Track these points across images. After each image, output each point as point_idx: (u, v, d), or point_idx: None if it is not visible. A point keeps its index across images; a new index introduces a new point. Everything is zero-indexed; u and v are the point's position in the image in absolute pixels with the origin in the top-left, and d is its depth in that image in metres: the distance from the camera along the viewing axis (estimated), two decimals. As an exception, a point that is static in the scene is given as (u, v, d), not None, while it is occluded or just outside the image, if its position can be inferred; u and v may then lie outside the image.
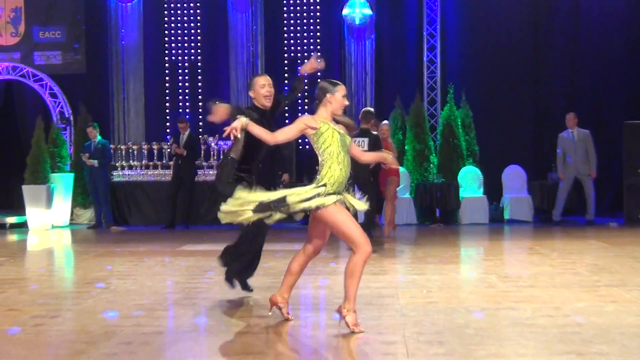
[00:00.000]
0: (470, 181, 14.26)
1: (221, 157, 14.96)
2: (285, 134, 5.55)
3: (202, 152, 14.87)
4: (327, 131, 5.41)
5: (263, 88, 6.40)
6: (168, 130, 16.05)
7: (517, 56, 15.50)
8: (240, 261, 6.67)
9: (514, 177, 14.46)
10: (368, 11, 15.62)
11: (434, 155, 14.61)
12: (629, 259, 9.00)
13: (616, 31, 15.35)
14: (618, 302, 6.31)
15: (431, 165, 14.50)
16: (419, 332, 5.24)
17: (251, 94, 6.52)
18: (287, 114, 14.37)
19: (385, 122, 12.40)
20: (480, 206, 14.09)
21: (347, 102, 5.56)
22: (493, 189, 14.43)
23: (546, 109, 15.46)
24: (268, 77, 6.53)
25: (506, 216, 14.29)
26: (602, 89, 15.24)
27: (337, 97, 5.50)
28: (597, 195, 13.92)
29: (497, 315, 5.96)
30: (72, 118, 15.84)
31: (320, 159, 5.41)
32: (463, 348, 4.90)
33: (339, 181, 5.33)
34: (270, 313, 5.79)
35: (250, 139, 6.13)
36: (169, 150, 14.70)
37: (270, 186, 6.04)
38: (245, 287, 6.78)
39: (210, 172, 14.79)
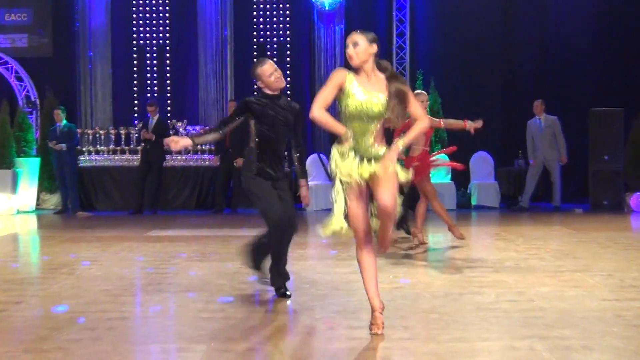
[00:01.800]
0: (438, 167, 14.33)
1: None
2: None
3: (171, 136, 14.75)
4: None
5: (272, 76, 6.00)
6: (136, 115, 15.95)
7: (486, 43, 15.60)
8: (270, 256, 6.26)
9: (481, 164, 14.58)
10: (338, -4, 15.61)
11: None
12: (593, 244, 9.12)
13: (584, 19, 15.50)
14: (581, 287, 6.40)
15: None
16: (384, 317, 5.26)
17: (260, 84, 6.10)
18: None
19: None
20: (447, 192, 14.17)
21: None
22: (460, 175, 14.48)
23: (514, 96, 15.58)
24: (271, 62, 6.13)
25: (473, 202, 14.41)
26: (569, 77, 15.37)
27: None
28: (564, 181, 14.09)
29: (461, 300, 6.01)
30: (38, 102, 15.67)
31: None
32: (427, 332, 4.94)
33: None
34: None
35: (263, 132, 6.02)
36: (136, 135, 14.60)
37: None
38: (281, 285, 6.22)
39: (179, 157, 14.74)
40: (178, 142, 5.80)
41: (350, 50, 4.77)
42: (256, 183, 5.99)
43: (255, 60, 6.52)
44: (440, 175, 14.27)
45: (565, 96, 15.20)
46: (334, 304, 5.77)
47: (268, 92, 6.04)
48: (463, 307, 5.73)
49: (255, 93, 15.87)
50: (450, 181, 14.39)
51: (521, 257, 8.18)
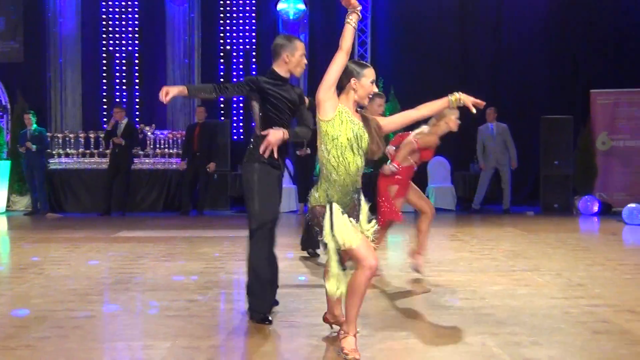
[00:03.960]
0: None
1: (157, 145, 14.85)
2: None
3: (139, 141, 14.65)
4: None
5: (303, 57, 5.29)
6: (105, 120, 15.78)
7: (444, 53, 15.70)
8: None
9: (438, 168, 14.67)
10: (302, 6, 15.60)
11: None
12: (543, 245, 9.23)
13: (536, 30, 15.67)
14: (531, 286, 6.48)
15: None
16: (343, 314, 5.28)
17: (283, 60, 5.24)
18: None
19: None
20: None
21: (375, 89, 4.46)
22: (418, 179, 14.54)
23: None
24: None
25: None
26: (522, 85, 15.53)
27: (363, 83, 4.38)
28: (516, 185, 14.26)
29: (417, 298, 6.06)
30: (9, 106, 15.46)
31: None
32: (384, 330, 4.97)
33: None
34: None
35: (268, 115, 5.17)
36: (107, 130, 14.36)
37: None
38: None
39: (147, 161, 14.66)
40: (169, 92, 4.93)
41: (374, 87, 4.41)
42: (261, 175, 5.15)
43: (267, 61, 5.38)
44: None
45: (518, 104, 15.34)
46: (295, 303, 5.78)
47: (281, 71, 5.27)
48: (419, 305, 5.78)
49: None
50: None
51: (475, 257, 8.26)
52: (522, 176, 14.88)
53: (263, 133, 5.07)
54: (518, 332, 4.84)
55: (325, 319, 4.89)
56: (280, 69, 5.26)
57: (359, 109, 4.47)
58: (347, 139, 4.23)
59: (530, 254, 8.49)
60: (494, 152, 13.80)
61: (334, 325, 4.85)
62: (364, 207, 4.49)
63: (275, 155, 5.08)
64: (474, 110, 4.57)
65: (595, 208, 13.42)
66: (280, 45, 5.25)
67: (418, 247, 7.05)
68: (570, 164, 13.96)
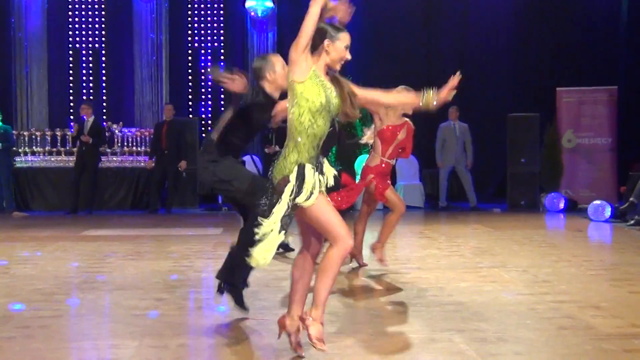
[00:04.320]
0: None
1: (125, 143, 14.74)
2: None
3: (107, 138, 14.53)
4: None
5: (285, 68, 4.96)
6: (72, 117, 15.63)
7: (410, 51, 15.76)
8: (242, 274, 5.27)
9: (407, 166, 14.71)
10: (270, 4, 15.59)
11: (332, 144, 14.76)
12: (510, 242, 9.31)
13: (501, 29, 15.81)
14: (497, 282, 6.54)
15: (330, 153, 14.62)
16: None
17: (269, 77, 5.18)
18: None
19: None
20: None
21: (349, 57, 4.26)
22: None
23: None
24: None
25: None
26: (488, 84, 15.65)
27: (337, 46, 4.21)
28: (483, 183, 14.39)
29: (385, 295, 6.09)
30: (-26, 104, 15.25)
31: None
32: (353, 326, 4.99)
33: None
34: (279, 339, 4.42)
35: (250, 117, 5.12)
36: (72, 133, 14.24)
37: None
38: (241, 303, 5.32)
39: (114, 159, 14.55)
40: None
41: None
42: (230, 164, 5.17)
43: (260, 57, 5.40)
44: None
45: (484, 102, 15.45)
46: (264, 300, 5.78)
47: (269, 90, 5.18)
48: (387, 302, 5.81)
49: (190, 97, 15.87)
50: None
51: (443, 254, 8.32)
52: (489, 174, 15.01)
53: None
54: (484, 328, 4.88)
55: (281, 324, 4.35)
56: (267, 87, 5.18)
57: (330, 71, 4.25)
58: (320, 102, 4.08)
59: (497, 250, 8.57)
60: (453, 150, 13.92)
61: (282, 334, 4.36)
62: (330, 170, 4.25)
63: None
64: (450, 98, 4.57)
65: (561, 205, 13.56)
66: (259, 68, 5.19)
67: (380, 238, 7.13)
68: (536, 162, 14.10)
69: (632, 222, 11.09)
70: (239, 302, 5.24)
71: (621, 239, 9.85)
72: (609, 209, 11.84)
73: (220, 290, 5.32)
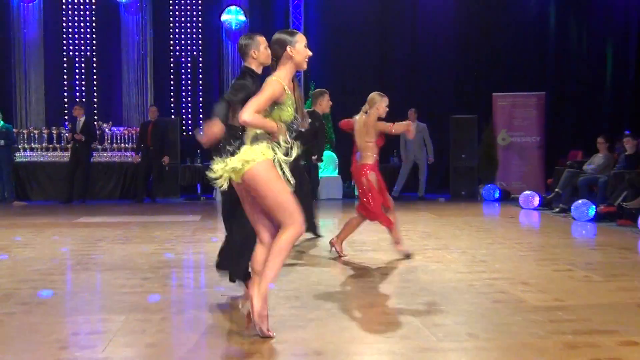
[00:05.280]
0: (327, 163, 14.44)
1: (114, 140, 14.59)
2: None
3: (97, 136, 14.38)
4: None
5: (267, 49, 4.73)
6: (66, 117, 15.40)
7: (368, 59, 15.78)
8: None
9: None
10: (243, 18, 15.52)
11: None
12: (452, 227, 9.39)
13: (446, 39, 15.85)
14: (441, 262, 6.60)
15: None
16: (279, 289, 5.30)
17: (253, 54, 4.97)
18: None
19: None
20: (335, 184, 14.37)
21: (310, 53, 4.08)
22: (346, 170, 14.62)
23: (389, 105, 15.76)
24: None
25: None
26: (435, 88, 15.73)
27: (298, 48, 4.03)
28: (430, 175, 14.45)
29: (344, 274, 6.11)
30: (-23, 106, 14.95)
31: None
32: (314, 301, 5.00)
33: None
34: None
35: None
36: (67, 134, 14.11)
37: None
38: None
39: (105, 154, 14.41)
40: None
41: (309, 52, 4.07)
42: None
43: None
44: (329, 169, 14.42)
45: (432, 105, 15.53)
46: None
47: (254, 67, 4.98)
48: (345, 281, 5.84)
49: (172, 97, 15.74)
50: (337, 175, 14.58)
51: (394, 238, 8.33)
52: (435, 167, 15.11)
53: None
54: (430, 302, 4.92)
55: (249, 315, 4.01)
56: (252, 65, 4.99)
57: (293, 80, 4.09)
58: (289, 119, 3.96)
59: (441, 234, 8.63)
60: (413, 148, 13.98)
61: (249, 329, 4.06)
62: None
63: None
64: None
65: (497, 195, 13.70)
66: (246, 45, 5.01)
67: (397, 239, 6.90)
68: (475, 157, 14.22)
69: (557, 209, 11.26)
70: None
71: (547, 225, 9.99)
72: (537, 199, 11.99)
73: (232, 279, 5.14)
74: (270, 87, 3.91)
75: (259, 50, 4.95)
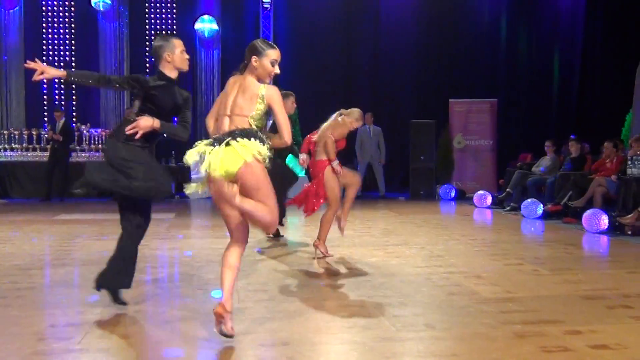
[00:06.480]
0: (295, 165, 14.42)
1: (92, 141, 14.39)
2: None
3: (76, 137, 14.18)
4: None
5: (183, 53, 4.49)
6: (46, 119, 15.17)
7: (333, 67, 15.80)
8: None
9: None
10: (215, 26, 15.44)
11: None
12: (411, 224, 9.44)
13: (406, 46, 15.95)
14: (401, 257, 6.62)
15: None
16: (249, 283, 5.28)
17: (165, 60, 4.44)
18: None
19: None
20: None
21: (277, 71, 3.91)
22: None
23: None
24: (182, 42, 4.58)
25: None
26: (396, 93, 15.82)
27: (264, 63, 3.87)
28: (390, 175, 14.53)
29: (309, 269, 6.10)
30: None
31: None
32: (282, 294, 4.99)
33: None
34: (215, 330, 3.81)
35: (146, 111, 4.41)
36: (46, 135, 13.91)
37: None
38: (117, 299, 4.60)
39: (83, 155, 14.20)
40: (45, 72, 4.43)
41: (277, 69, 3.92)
42: (129, 148, 4.41)
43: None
44: (297, 170, 14.36)
45: (393, 109, 15.63)
46: (209, 273, 5.73)
47: (167, 71, 4.47)
48: (310, 275, 5.82)
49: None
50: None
51: (357, 234, 8.36)
52: (396, 168, 15.20)
53: (137, 118, 4.35)
54: (390, 295, 4.94)
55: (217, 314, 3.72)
56: (166, 69, 4.46)
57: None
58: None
59: (400, 231, 8.67)
60: (369, 149, 14.04)
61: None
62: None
63: (137, 137, 4.33)
64: None
65: (453, 194, 13.82)
66: (159, 46, 4.45)
67: (343, 213, 6.81)
68: (433, 159, 14.31)
69: (508, 208, 11.40)
70: (118, 300, 4.59)
71: (499, 222, 10.10)
72: (490, 198, 12.13)
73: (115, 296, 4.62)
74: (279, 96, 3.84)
75: (174, 54, 4.44)
